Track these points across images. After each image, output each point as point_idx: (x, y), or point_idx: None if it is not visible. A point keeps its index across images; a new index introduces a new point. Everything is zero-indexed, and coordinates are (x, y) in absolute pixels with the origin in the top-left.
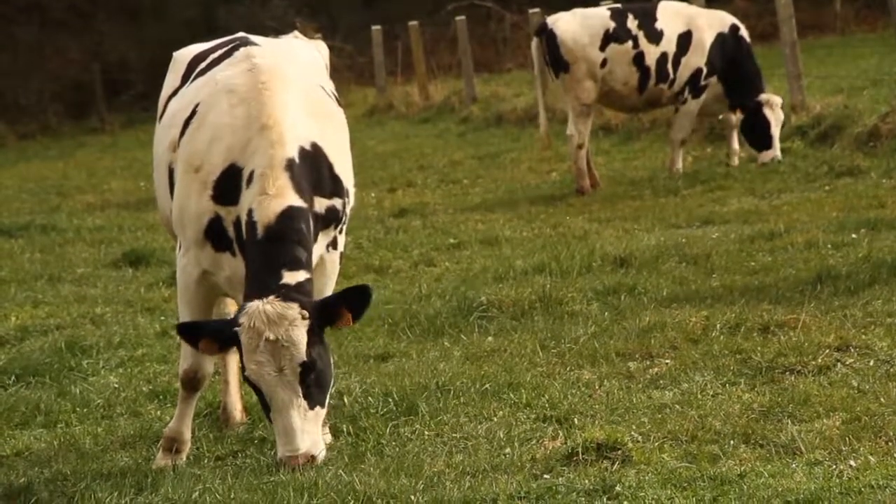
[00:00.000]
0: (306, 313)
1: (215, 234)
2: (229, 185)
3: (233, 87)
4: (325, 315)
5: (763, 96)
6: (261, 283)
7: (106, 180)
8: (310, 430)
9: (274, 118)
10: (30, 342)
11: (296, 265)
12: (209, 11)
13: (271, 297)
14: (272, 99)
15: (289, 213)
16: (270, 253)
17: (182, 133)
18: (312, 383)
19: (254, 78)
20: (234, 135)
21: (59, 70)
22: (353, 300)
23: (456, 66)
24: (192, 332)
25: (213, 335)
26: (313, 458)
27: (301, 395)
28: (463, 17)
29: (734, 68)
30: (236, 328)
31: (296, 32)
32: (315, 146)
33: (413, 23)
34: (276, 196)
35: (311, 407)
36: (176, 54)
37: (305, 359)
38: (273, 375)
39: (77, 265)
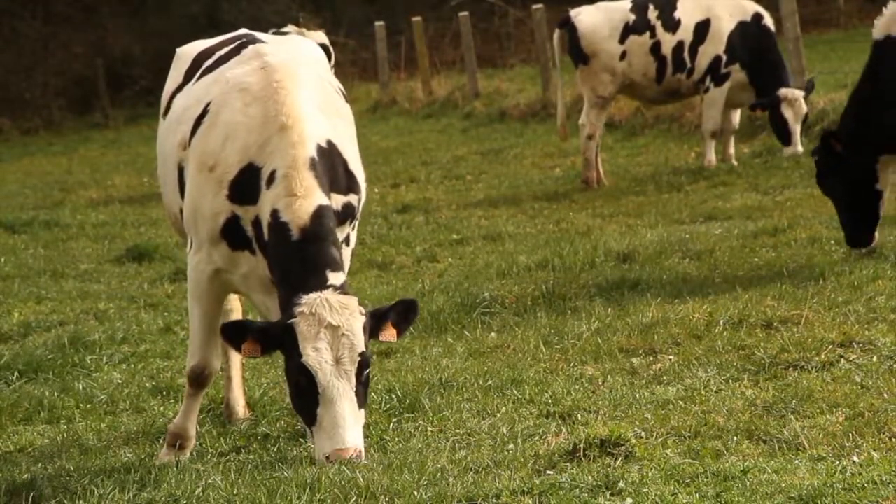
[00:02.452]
0: (363, 310)
1: (232, 233)
2: (246, 184)
3: (246, 85)
4: (374, 325)
5: (782, 91)
6: (305, 282)
7: (109, 176)
8: (357, 428)
9: (293, 117)
10: (33, 338)
11: (336, 266)
12: (213, 6)
13: (329, 290)
14: (289, 98)
15: (321, 213)
16: (311, 253)
17: (193, 131)
18: (363, 382)
19: (267, 77)
20: (250, 134)
21: (62, 65)
22: (401, 315)
23: (459, 61)
24: (236, 333)
25: (260, 334)
26: (360, 452)
27: (355, 387)
28: (466, 13)
29: (758, 57)
30: (291, 320)
31: (291, 27)
32: (330, 143)
33: (416, 18)
34: (305, 196)
35: (359, 406)
36: (179, 50)
37: (364, 349)
38: (331, 364)
39: (80, 261)
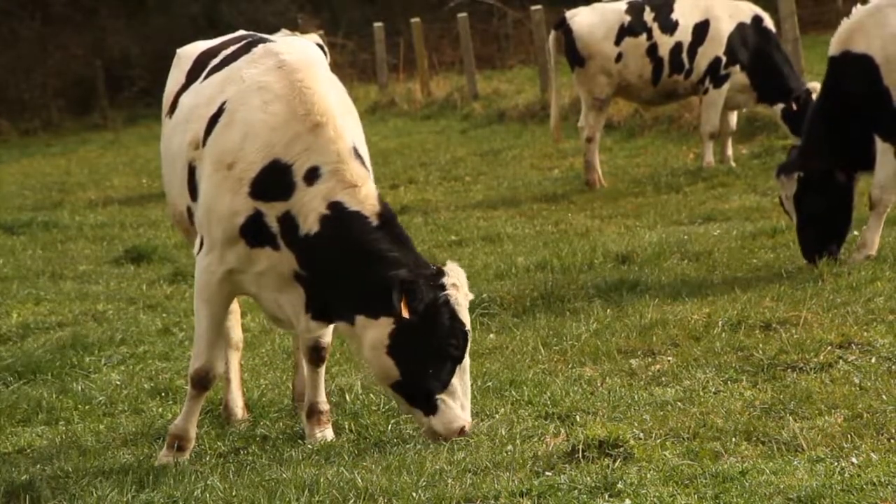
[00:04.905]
0: None
1: (252, 231)
2: (272, 181)
3: (264, 84)
4: None
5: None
6: (406, 259)
7: (108, 177)
8: None
9: (327, 115)
10: (32, 339)
11: None
12: (211, 8)
13: (450, 262)
14: (316, 97)
15: (382, 197)
16: (398, 232)
17: (208, 131)
18: None
19: (287, 76)
20: (274, 132)
21: (61, 66)
22: None
23: (458, 62)
24: (404, 286)
25: (416, 300)
26: None
27: None
28: (465, 14)
29: (760, 59)
30: (444, 293)
31: (284, 30)
32: (352, 141)
33: (415, 19)
34: (364, 184)
35: None
36: (180, 51)
37: None
38: None
39: (79, 262)
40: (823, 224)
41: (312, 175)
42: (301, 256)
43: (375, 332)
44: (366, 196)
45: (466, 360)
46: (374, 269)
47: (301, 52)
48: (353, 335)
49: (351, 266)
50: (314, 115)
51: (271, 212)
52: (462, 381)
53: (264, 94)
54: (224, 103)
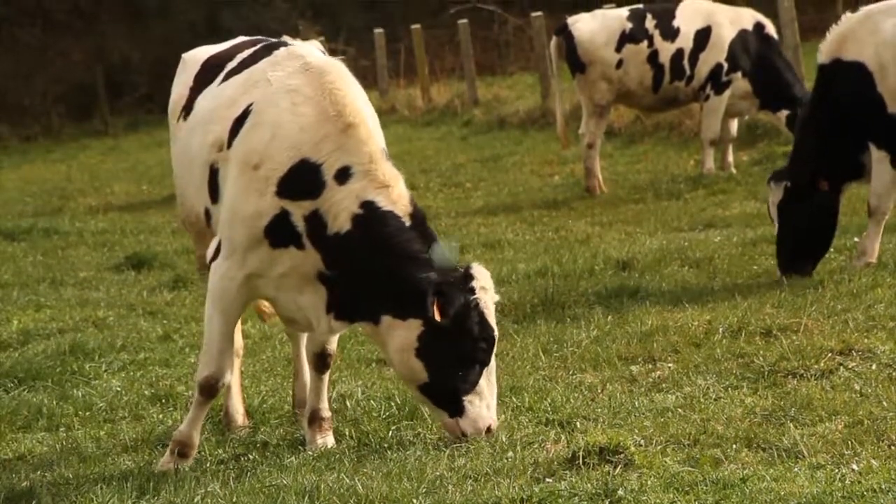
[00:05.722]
0: None
1: (277, 231)
2: (301, 180)
3: (293, 87)
4: None
5: None
6: (444, 260)
7: (108, 183)
8: None
9: (359, 116)
10: (32, 346)
11: None
12: (212, 13)
13: (476, 264)
14: (347, 98)
15: (413, 198)
16: (429, 235)
17: (233, 133)
18: None
19: (317, 78)
20: (303, 132)
21: (61, 72)
22: None
23: (458, 68)
24: (437, 290)
25: (447, 303)
26: None
27: None
28: (465, 21)
29: (762, 66)
30: (474, 296)
31: (285, 37)
32: (382, 143)
33: (415, 26)
34: (395, 185)
35: None
36: (185, 56)
37: None
38: None
39: (79, 268)
40: (804, 236)
41: (343, 175)
42: (328, 255)
43: (403, 333)
44: (399, 196)
45: (493, 361)
46: (405, 269)
47: (321, 54)
48: (378, 335)
49: (382, 265)
50: (347, 117)
51: (298, 211)
52: (489, 381)
53: (294, 96)
54: (250, 105)
